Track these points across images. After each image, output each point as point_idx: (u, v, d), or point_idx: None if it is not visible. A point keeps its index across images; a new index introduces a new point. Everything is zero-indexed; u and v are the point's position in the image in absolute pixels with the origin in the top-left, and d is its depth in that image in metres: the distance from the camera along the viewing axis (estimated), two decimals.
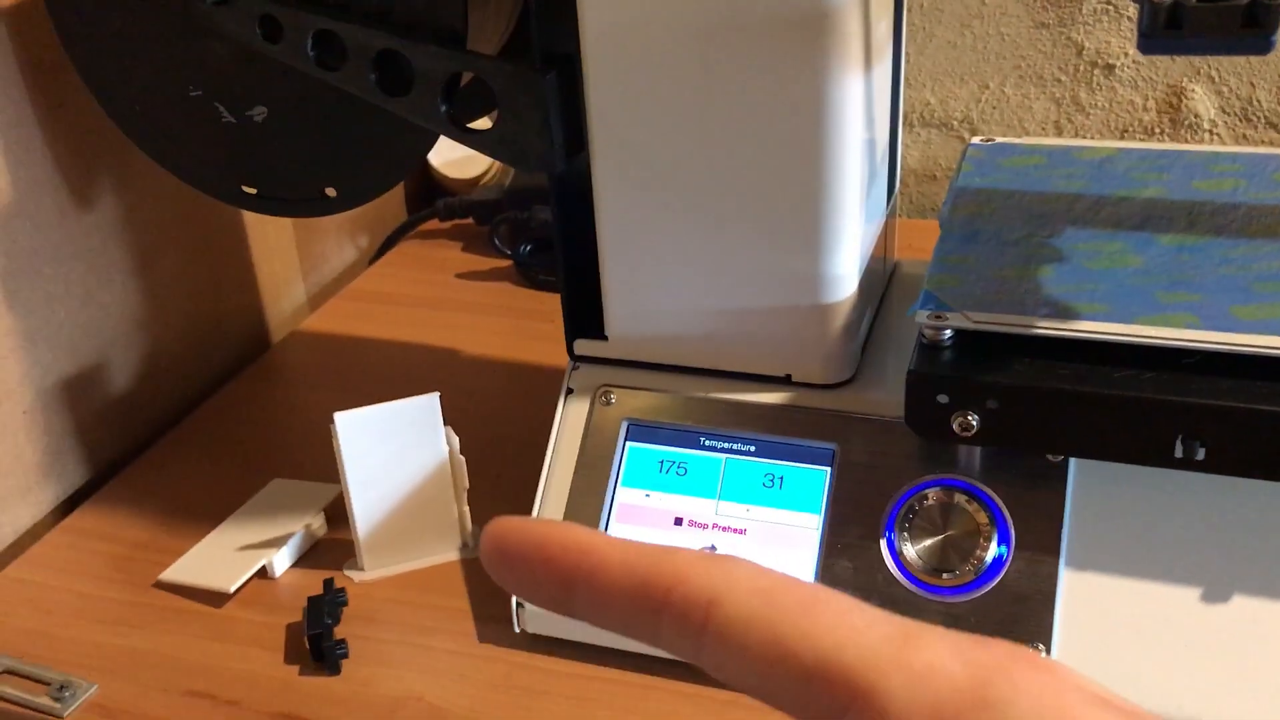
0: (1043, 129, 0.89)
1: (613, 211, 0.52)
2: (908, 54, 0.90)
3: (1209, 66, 0.84)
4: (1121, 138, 0.88)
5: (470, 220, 0.93)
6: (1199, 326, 0.45)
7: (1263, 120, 0.84)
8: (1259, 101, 0.84)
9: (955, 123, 0.91)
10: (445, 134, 0.52)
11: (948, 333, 0.48)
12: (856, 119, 0.48)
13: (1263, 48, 0.39)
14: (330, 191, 0.57)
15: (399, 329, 0.83)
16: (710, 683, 0.51)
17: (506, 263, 0.89)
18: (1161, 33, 0.39)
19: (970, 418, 0.46)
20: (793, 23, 0.45)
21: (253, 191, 0.59)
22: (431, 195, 0.99)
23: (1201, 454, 0.44)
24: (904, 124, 0.91)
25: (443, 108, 0.51)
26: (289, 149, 0.57)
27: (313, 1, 0.51)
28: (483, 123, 0.52)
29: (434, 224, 0.96)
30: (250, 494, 0.65)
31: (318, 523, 0.62)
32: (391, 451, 0.57)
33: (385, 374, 0.77)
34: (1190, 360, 0.45)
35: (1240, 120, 0.85)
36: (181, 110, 0.57)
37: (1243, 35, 0.38)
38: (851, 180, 0.49)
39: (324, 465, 0.59)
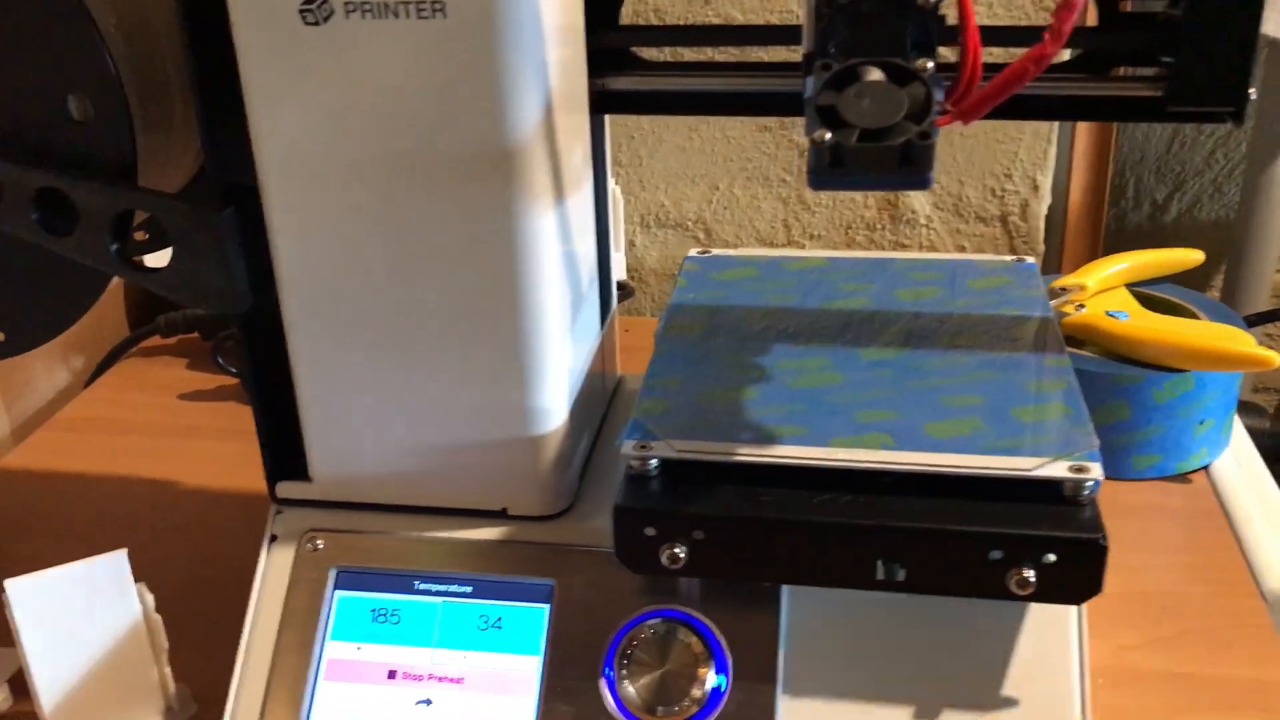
0: (772, 227, 0.91)
1: (306, 349, 0.49)
2: (639, 157, 0.91)
3: None
4: (846, 233, 0.91)
5: (196, 335, 0.88)
6: (893, 447, 0.46)
7: (973, 215, 0.89)
8: (968, 198, 0.88)
9: (690, 223, 0.93)
10: (117, 275, 0.48)
11: (654, 462, 0.47)
12: (551, 249, 0.47)
13: (920, 183, 0.40)
14: None
15: (115, 461, 0.77)
16: None
17: (233, 380, 0.85)
18: (827, 170, 0.40)
19: (678, 550, 0.45)
20: (477, 160, 0.44)
21: None
22: (154, 309, 0.93)
23: (902, 575, 0.44)
24: (641, 226, 0.92)
25: (113, 247, 0.47)
26: None
27: None
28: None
29: (156, 340, 0.90)
30: None
31: (1, 695, 0.56)
32: (77, 617, 0.52)
33: (96, 514, 0.71)
34: (887, 481, 0.46)
35: (953, 215, 0.89)
36: None
37: (901, 172, 0.39)
38: (551, 310, 0.48)
39: None
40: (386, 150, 0.45)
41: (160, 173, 0.53)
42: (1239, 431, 0.74)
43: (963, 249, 0.89)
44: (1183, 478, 0.70)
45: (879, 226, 0.90)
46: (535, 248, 0.46)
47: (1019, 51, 0.40)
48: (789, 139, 0.88)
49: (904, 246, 0.89)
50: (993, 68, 0.40)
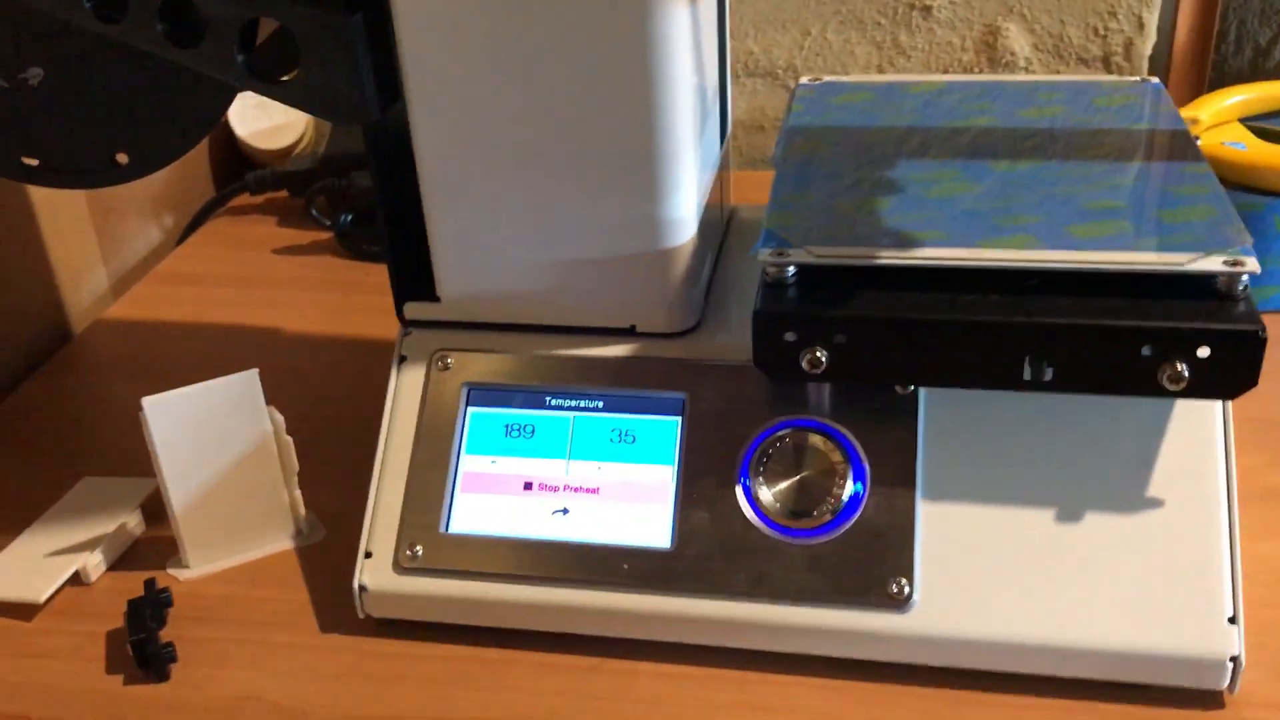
0: (866, 73, 0.89)
1: (434, 164, 0.49)
2: (730, 3, 0.88)
3: (1021, 6, 0.85)
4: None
5: (284, 193, 0.88)
6: (1039, 247, 0.45)
7: (1074, 56, 0.86)
8: (1069, 38, 0.86)
9: (780, 71, 0.91)
10: (245, 87, 0.48)
11: (791, 269, 0.46)
12: (684, 57, 0.46)
13: None
14: (121, 158, 0.52)
15: (213, 311, 0.77)
16: (571, 650, 0.49)
17: (327, 235, 0.85)
18: None
19: (819, 354, 0.45)
20: None
21: (34, 163, 0.53)
22: (240, 168, 0.93)
23: (1049, 374, 0.44)
24: (730, 75, 0.90)
25: (239, 58, 0.47)
26: (71, 113, 0.52)
27: None
28: None
29: (245, 199, 0.90)
30: (58, 495, 0.59)
31: (134, 520, 0.57)
32: (210, 436, 0.52)
33: (198, 359, 0.72)
34: (1032, 281, 0.45)
35: (1053, 57, 0.86)
36: None
37: None
38: (684, 120, 0.47)
39: (138, 459, 0.55)
40: None
41: None
42: None
43: None
44: None
45: (976, 70, 0.88)
46: (669, 53, 0.45)
47: None
48: None
49: None
50: None
